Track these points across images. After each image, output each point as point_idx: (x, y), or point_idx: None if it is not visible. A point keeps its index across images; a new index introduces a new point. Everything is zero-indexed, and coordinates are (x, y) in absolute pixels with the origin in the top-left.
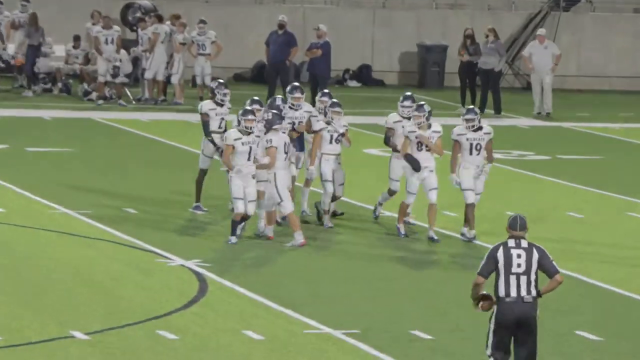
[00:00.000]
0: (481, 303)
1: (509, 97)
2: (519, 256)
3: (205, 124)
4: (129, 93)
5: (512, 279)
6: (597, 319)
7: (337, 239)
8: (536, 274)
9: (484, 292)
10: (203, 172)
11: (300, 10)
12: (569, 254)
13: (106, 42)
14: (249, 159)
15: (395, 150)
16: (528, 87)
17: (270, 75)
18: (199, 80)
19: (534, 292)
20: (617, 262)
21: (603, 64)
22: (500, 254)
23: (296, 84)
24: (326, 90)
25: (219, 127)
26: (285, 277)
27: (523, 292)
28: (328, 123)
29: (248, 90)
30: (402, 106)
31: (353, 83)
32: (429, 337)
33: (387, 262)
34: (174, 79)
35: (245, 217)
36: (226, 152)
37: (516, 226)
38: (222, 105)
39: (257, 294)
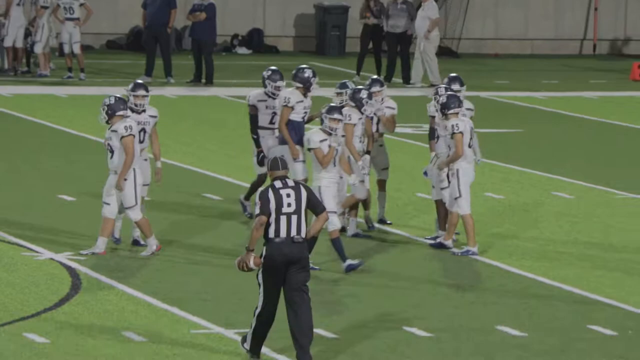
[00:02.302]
0: (253, 258)
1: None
2: (288, 195)
3: (253, 117)
4: None
5: (283, 219)
6: (519, 313)
7: (217, 225)
8: (305, 213)
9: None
10: (261, 179)
11: None
12: (486, 240)
13: None
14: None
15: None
16: (442, 52)
17: (149, 42)
18: (66, 49)
19: (303, 233)
20: (540, 248)
21: (523, 25)
22: (271, 195)
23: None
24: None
25: (270, 123)
26: (167, 272)
27: (293, 232)
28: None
29: (124, 60)
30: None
31: (242, 50)
32: (332, 335)
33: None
34: (37, 48)
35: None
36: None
37: (278, 166)
38: (273, 98)
39: (138, 290)
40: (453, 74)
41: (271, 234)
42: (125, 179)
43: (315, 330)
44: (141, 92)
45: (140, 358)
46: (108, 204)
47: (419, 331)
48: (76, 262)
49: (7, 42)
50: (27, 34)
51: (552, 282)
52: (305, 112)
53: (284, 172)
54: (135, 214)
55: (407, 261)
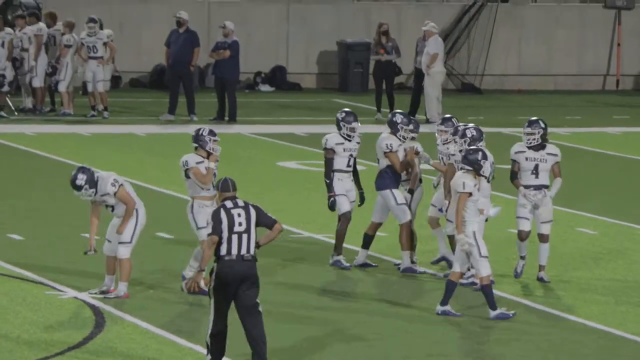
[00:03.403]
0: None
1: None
2: (239, 215)
3: (328, 161)
4: (10, 103)
5: (234, 238)
6: (544, 350)
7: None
8: (255, 231)
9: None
10: (345, 220)
11: (204, 4)
12: (511, 275)
13: None
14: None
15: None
16: (465, 89)
17: (172, 80)
18: (90, 88)
19: (252, 251)
20: (564, 285)
21: (546, 61)
22: (223, 215)
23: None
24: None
25: (347, 166)
26: (192, 310)
27: (243, 251)
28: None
29: (147, 98)
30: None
31: (265, 87)
32: None
33: (304, 291)
34: (61, 86)
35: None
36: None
37: (229, 188)
38: (350, 140)
39: (162, 328)
40: (447, 115)
41: (223, 252)
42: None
43: None
44: (215, 137)
45: None
46: (110, 241)
47: None
48: (100, 300)
49: (36, 83)
50: (52, 73)
51: (577, 319)
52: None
53: (234, 193)
54: (125, 252)
55: (426, 297)
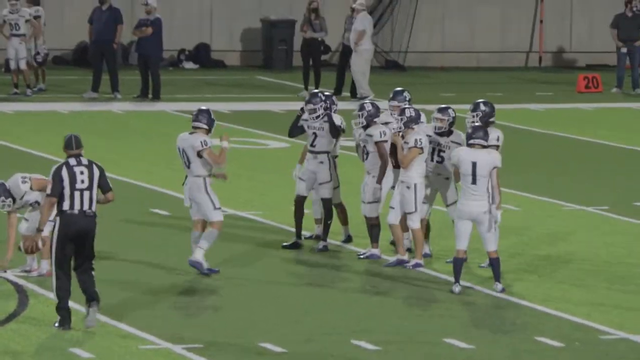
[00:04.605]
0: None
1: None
2: (82, 173)
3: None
4: None
5: (77, 194)
6: (466, 325)
7: (165, 241)
8: (96, 189)
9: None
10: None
11: None
12: (434, 251)
13: None
14: None
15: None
16: (389, 66)
17: (95, 57)
18: (12, 65)
19: (94, 207)
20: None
21: (469, 38)
22: (64, 172)
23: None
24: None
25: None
26: (115, 287)
27: (85, 207)
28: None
29: (70, 75)
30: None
31: (189, 65)
32: (280, 349)
33: (232, 268)
34: None
35: None
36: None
37: (72, 145)
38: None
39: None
40: (398, 88)
41: (65, 207)
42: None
43: (262, 344)
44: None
45: None
46: (28, 220)
47: (367, 344)
48: (23, 279)
49: None
50: None
51: (499, 294)
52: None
53: (78, 151)
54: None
55: (353, 274)
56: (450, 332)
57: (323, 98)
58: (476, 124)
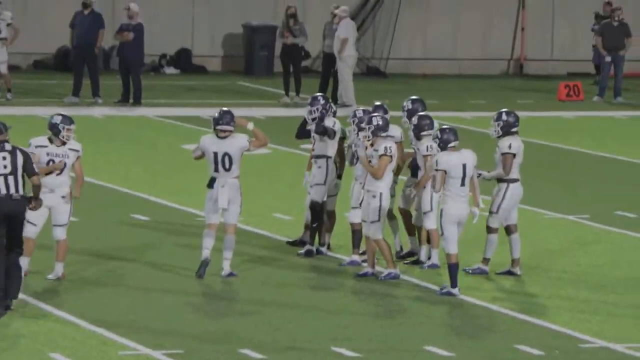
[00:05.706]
0: None
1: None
2: (4, 158)
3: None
4: None
5: (1, 179)
6: (447, 334)
7: (146, 246)
8: (22, 174)
9: None
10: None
11: None
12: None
13: None
14: None
15: None
16: (370, 72)
17: (76, 62)
18: None
19: (21, 191)
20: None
21: (451, 45)
22: None
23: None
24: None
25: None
26: (94, 293)
27: (12, 190)
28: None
29: (51, 80)
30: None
31: (170, 70)
32: (260, 356)
33: (212, 276)
34: None
35: None
36: None
37: (3, 130)
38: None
39: (65, 311)
40: (377, 103)
41: None
42: (63, 197)
43: (242, 350)
44: (73, 126)
45: None
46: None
47: (348, 351)
48: None
49: None
50: None
51: (480, 302)
52: None
53: (3, 137)
54: (63, 234)
55: (335, 281)
56: (431, 340)
57: (322, 102)
58: (499, 134)
